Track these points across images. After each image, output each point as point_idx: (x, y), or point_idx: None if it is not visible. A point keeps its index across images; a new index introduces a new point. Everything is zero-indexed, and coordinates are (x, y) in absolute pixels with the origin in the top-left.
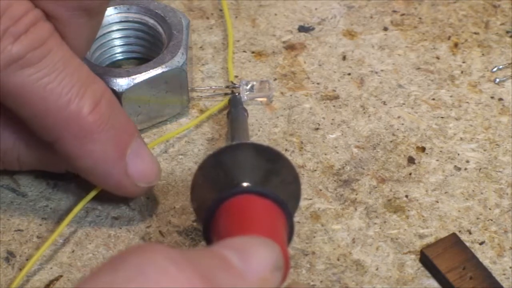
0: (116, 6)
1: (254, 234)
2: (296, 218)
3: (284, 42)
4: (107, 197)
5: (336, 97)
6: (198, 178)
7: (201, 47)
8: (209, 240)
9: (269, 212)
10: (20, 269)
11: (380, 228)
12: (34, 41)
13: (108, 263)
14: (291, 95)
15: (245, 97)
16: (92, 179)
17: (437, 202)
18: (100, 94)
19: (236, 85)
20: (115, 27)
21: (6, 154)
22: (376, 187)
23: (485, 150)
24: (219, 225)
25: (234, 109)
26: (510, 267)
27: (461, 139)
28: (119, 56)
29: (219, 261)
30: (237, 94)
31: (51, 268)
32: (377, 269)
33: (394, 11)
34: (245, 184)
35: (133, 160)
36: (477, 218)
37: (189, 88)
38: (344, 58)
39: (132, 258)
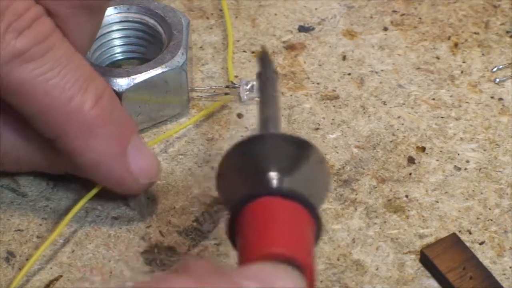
0: (116, 6)
1: (281, 246)
2: None
3: (284, 42)
4: (107, 197)
5: (336, 97)
6: (227, 165)
7: (201, 47)
8: (232, 236)
9: (298, 218)
10: (20, 269)
11: (380, 228)
12: (37, 36)
13: None
14: (291, 95)
15: (245, 97)
16: (94, 176)
17: (437, 202)
18: (102, 90)
19: (236, 85)
20: (115, 27)
21: (5, 156)
22: (376, 187)
23: (485, 150)
24: (244, 225)
25: (265, 72)
26: (510, 267)
27: (461, 139)
28: (119, 56)
29: None
30: (235, 88)
31: (51, 268)
32: (377, 269)
33: (394, 11)
34: (274, 183)
35: (134, 156)
36: (477, 218)
37: (189, 88)
38: (344, 58)
39: None
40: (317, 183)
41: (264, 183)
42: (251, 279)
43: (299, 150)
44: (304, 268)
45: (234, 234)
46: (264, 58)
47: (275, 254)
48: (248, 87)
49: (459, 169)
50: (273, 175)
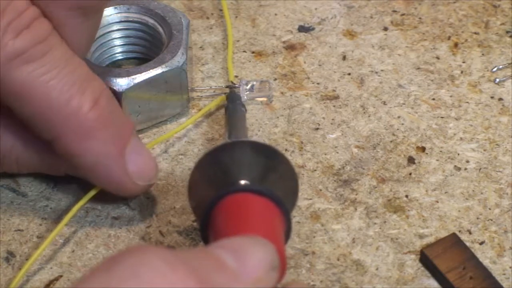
0: (116, 6)
1: (250, 233)
2: (296, 218)
3: (284, 42)
4: (107, 197)
5: (336, 97)
6: (195, 176)
7: (201, 47)
8: (206, 239)
9: (265, 210)
10: (20, 269)
11: (380, 228)
12: (36, 36)
13: (102, 264)
14: (291, 95)
15: (245, 97)
16: (92, 178)
17: (437, 202)
18: (99, 92)
19: (236, 85)
20: (115, 27)
21: (4, 157)
22: (376, 187)
23: (485, 150)
24: (216, 224)
25: (232, 105)
26: (510, 267)
27: (461, 139)
28: (119, 56)
29: (214, 262)
30: (234, 89)
31: (51, 268)
32: (377, 269)
33: (394, 11)
34: (241, 182)
35: (132, 158)
36: (477, 218)
37: (189, 88)
38: (344, 58)
39: (126, 259)
40: (284, 182)
41: (231, 182)
42: (222, 248)
43: (265, 154)
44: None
45: (208, 237)
46: (232, 95)
47: None
48: (248, 87)
49: (459, 169)
50: (238, 174)
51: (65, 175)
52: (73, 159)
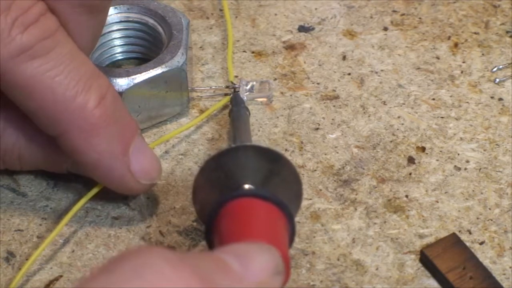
0: (116, 6)
1: (255, 237)
2: (296, 218)
3: (284, 42)
4: (107, 197)
5: (336, 97)
6: (199, 181)
7: (201, 47)
8: (210, 243)
9: (270, 214)
10: (20, 269)
11: (380, 228)
12: (43, 31)
13: (105, 265)
14: (291, 95)
15: (245, 97)
16: (95, 176)
17: (437, 202)
18: (105, 89)
19: (236, 85)
20: (115, 27)
21: (6, 153)
22: (376, 187)
23: (485, 150)
24: (220, 228)
25: (236, 108)
26: (510, 267)
27: (461, 139)
28: (119, 56)
29: (218, 265)
30: (239, 92)
31: (51, 268)
32: (377, 269)
33: (394, 11)
34: (246, 187)
35: (136, 157)
36: (477, 218)
37: (189, 88)
38: (344, 58)
39: (128, 259)
40: (288, 186)
41: (235, 186)
42: (228, 253)
43: (269, 158)
44: (282, 258)
45: (212, 241)
46: (236, 98)
47: None
48: (248, 87)
49: (459, 169)
50: (242, 179)
51: (67, 173)
52: (77, 156)
